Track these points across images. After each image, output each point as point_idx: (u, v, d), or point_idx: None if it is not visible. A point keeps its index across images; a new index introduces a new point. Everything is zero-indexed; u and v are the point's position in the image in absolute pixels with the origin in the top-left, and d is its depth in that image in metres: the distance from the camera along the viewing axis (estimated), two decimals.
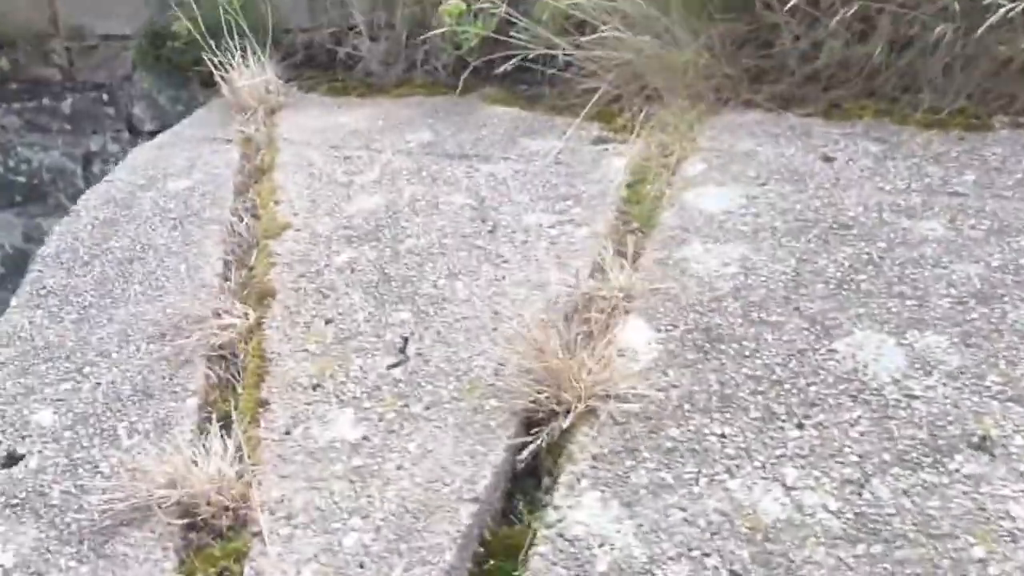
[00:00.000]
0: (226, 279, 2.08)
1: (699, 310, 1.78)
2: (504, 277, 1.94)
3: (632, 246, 1.99)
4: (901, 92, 2.56)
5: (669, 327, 1.74)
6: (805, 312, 1.75)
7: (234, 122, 2.95)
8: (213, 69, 3.06)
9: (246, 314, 1.89)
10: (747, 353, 1.66)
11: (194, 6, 3.16)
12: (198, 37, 3.19)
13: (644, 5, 2.66)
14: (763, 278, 1.86)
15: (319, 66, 3.39)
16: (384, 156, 2.59)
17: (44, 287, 2.16)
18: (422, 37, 3.09)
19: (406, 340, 1.78)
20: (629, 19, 2.70)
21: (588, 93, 2.75)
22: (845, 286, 1.81)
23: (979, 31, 2.43)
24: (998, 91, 2.50)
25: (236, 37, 3.13)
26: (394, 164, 2.53)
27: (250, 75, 3.05)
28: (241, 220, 2.33)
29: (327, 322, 1.87)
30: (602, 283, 1.87)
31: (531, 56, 2.74)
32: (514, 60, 2.71)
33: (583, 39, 2.74)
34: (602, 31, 2.71)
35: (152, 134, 3.81)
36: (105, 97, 3.87)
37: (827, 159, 2.31)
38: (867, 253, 1.90)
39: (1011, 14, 2.25)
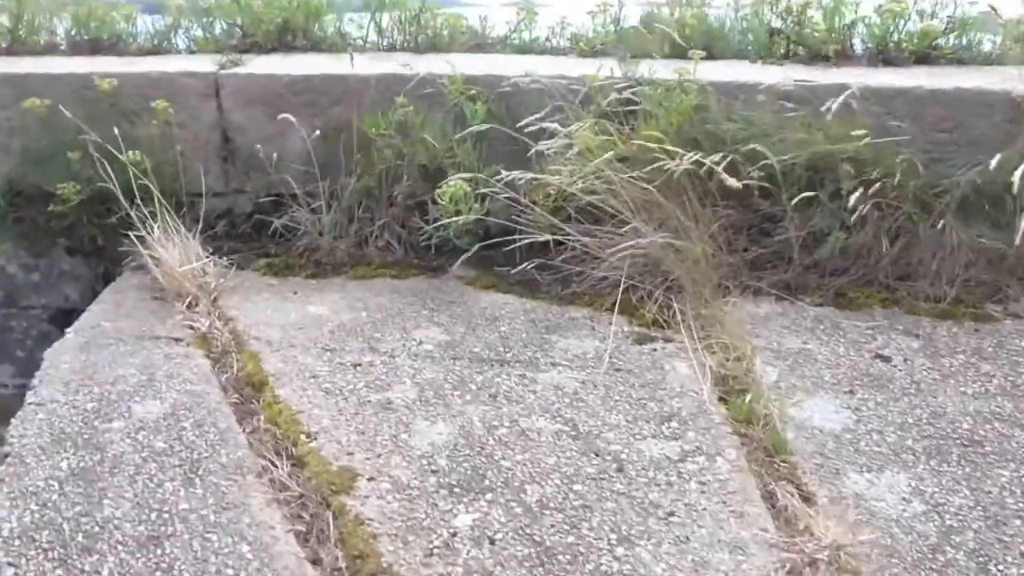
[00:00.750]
0: (315, 562, 1.49)
1: (931, 566, 1.51)
2: (688, 538, 1.54)
3: (795, 484, 1.68)
4: (896, 280, 2.51)
5: None
6: None
7: (173, 312, 2.30)
8: (140, 247, 2.39)
9: None
10: None
11: (102, 165, 2.48)
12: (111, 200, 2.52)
13: (654, 192, 2.42)
14: (956, 515, 1.63)
15: (241, 237, 2.80)
16: (402, 362, 2.09)
17: None
18: (377, 215, 2.64)
19: None
20: (633, 205, 2.45)
21: (600, 281, 2.45)
22: None
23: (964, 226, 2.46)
24: (979, 279, 2.52)
25: (151, 203, 2.50)
26: (424, 374, 2.04)
27: (178, 252, 2.41)
28: (275, 465, 1.73)
29: None
30: (805, 536, 1.54)
31: (539, 242, 2.39)
32: (530, 255, 2.34)
33: (595, 227, 2.44)
34: (613, 218, 2.44)
35: None
36: None
37: (882, 358, 2.16)
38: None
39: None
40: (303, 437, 1.79)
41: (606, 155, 2.35)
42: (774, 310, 2.36)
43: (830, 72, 2.80)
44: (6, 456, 1.71)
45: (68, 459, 1.71)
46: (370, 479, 1.67)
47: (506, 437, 1.80)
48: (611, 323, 2.27)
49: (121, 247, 2.71)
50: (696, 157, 2.26)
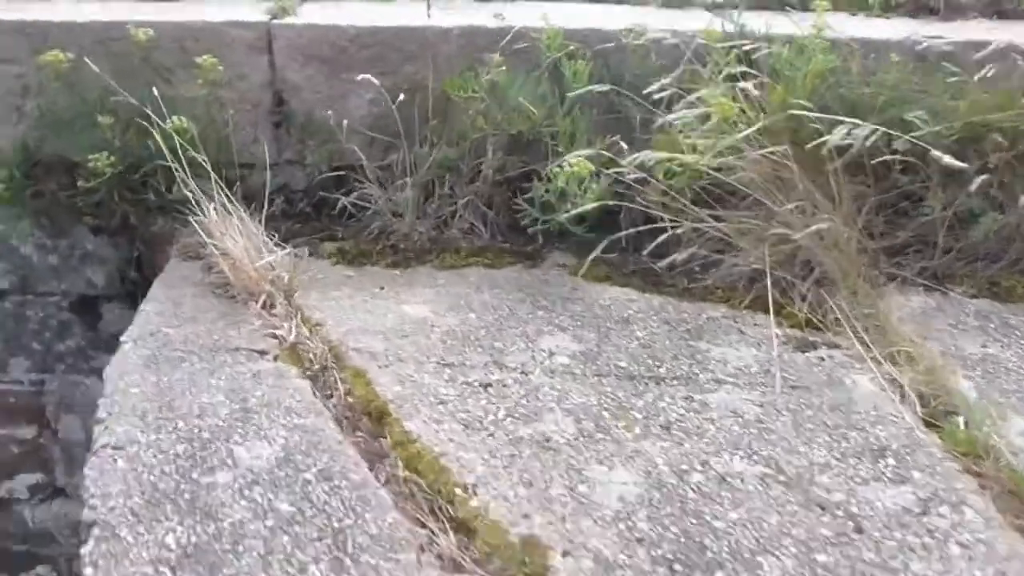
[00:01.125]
0: None
1: None
2: None
3: None
4: None
5: None
6: None
7: (247, 314, 1.86)
8: (205, 236, 1.93)
9: None
10: None
11: (144, 132, 2.00)
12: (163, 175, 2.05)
13: (794, 168, 2.04)
14: None
15: (299, 217, 2.34)
16: (539, 380, 1.69)
17: None
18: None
19: None
20: (765, 183, 2.06)
21: (729, 273, 2.07)
22: None
23: None
24: None
25: (196, 178, 2.04)
26: (572, 397, 1.65)
27: (243, 239, 1.96)
28: (435, 534, 1.33)
29: None
30: None
31: (679, 231, 2.00)
32: (662, 237, 1.95)
33: (724, 211, 2.05)
34: (742, 198, 2.05)
35: (1, 293, 2.47)
36: None
37: None
38: None
39: None
40: (458, 491, 1.39)
41: (753, 127, 1.94)
42: (927, 303, 2.02)
43: (952, 26, 2.44)
44: (91, 526, 1.28)
45: (174, 531, 1.29)
46: (565, 554, 1.28)
47: (704, 486, 1.43)
48: (757, 324, 1.91)
49: (154, 226, 2.25)
50: (866, 130, 1.88)
